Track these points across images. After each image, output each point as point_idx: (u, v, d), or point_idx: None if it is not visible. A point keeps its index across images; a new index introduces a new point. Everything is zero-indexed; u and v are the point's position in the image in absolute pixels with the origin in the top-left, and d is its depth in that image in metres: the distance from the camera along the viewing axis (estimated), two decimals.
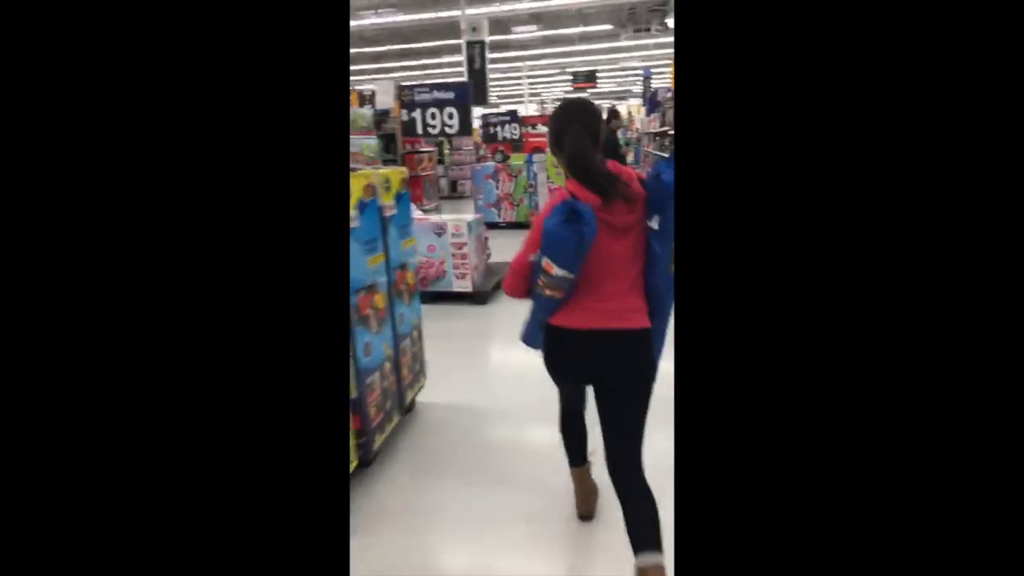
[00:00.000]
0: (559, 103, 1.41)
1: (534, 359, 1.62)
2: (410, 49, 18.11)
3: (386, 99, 9.45)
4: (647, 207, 1.33)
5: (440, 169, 11.76)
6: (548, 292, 1.33)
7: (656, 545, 1.32)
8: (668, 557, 1.33)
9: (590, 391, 1.53)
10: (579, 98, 1.43)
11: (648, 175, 1.34)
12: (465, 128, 4.57)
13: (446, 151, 11.68)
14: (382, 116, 9.57)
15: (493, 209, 7.59)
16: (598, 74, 16.69)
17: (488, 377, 3.13)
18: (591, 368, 1.41)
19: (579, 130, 1.31)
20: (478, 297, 4.17)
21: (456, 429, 2.49)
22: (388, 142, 9.62)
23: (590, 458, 1.80)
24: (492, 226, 7.65)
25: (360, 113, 7.74)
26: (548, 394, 1.77)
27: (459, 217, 4.22)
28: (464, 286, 4.13)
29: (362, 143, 7.23)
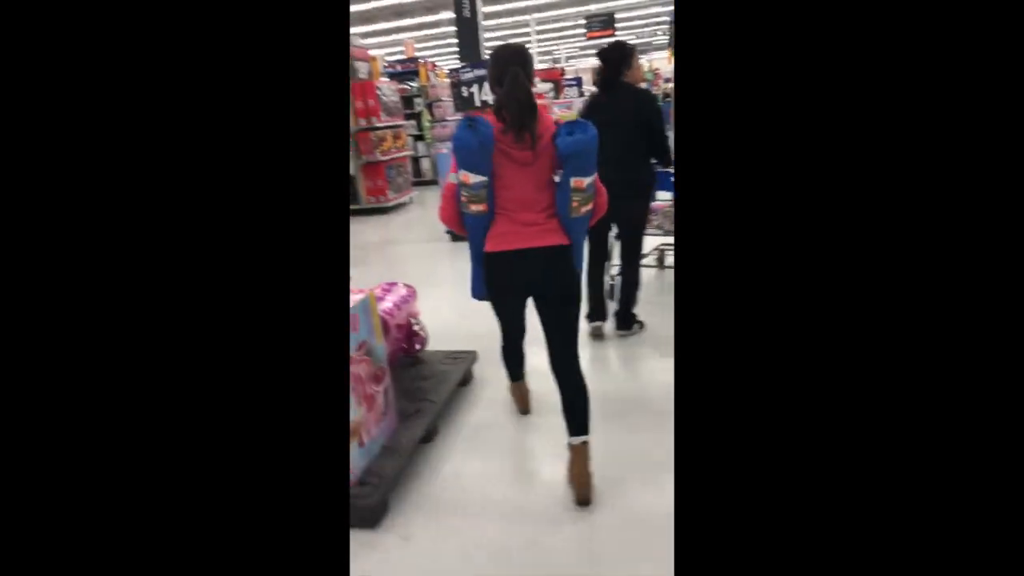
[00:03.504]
0: (496, 48, 1.59)
1: None
2: (403, 7, 15.46)
3: None
4: (557, 161, 1.57)
5: (421, 147, 9.18)
6: (473, 207, 1.57)
7: (585, 430, 1.68)
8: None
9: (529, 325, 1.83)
10: (512, 44, 1.61)
11: (554, 135, 1.53)
12: None
13: (426, 124, 9.04)
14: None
15: None
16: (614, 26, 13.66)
17: None
18: (527, 282, 1.64)
19: (518, 70, 1.49)
20: (366, 516, 1.64)
21: None
22: None
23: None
24: None
25: None
26: None
27: None
28: None
29: None
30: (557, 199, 1.58)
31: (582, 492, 1.65)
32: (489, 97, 5.49)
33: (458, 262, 4.66)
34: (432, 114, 9.11)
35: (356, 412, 1.69)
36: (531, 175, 1.56)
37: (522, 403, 2.17)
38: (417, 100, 8.98)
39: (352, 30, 16.74)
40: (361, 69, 7.12)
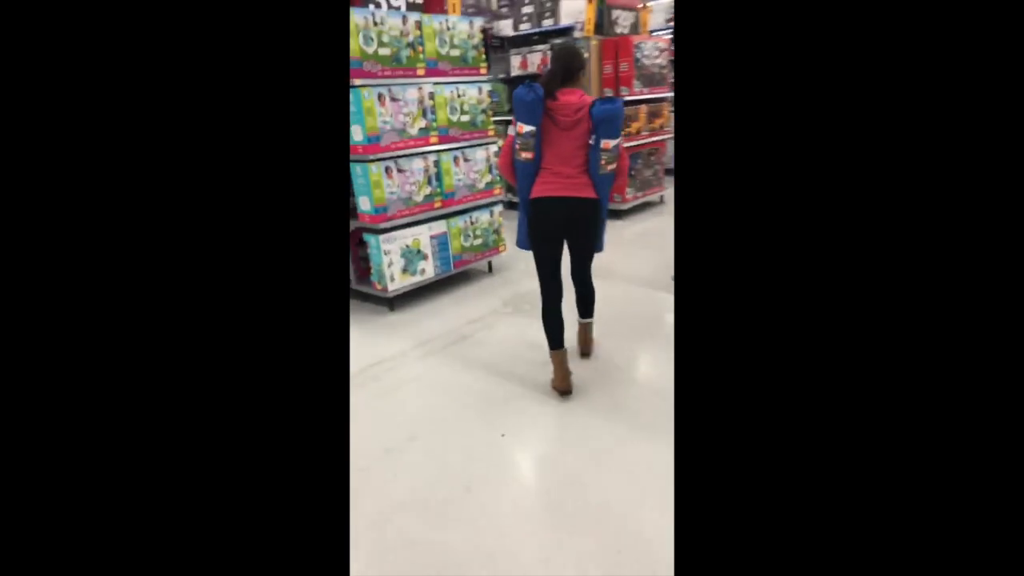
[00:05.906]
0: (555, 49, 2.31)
1: None
2: None
3: (576, 4, 5.09)
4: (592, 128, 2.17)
5: None
6: (523, 154, 2.21)
7: (590, 314, 2.68)
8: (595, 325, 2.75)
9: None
10: (564, 44, 2.40)
11: (590, 106, 2.13)
12: None
13: None
14: (567, 38, 5.30)
15: None
16: None
17: None
18: (561, 224, 2.28)
19: (555, 66, 2.21)
20: None
21: None
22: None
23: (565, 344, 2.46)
24: None
25: (435, 30, 3.24)
26: None
27: None
28: None
29: (450, 92, 3.30)
30: (590, 158, 2.20)
31: (586, 349, 2.75)
32: None
33: None
34: None
35: None
36: (572, 137, 2.19)
37: (562, 377, 2.40)
38: None
39: None
40: (622, 20, 5.27)
